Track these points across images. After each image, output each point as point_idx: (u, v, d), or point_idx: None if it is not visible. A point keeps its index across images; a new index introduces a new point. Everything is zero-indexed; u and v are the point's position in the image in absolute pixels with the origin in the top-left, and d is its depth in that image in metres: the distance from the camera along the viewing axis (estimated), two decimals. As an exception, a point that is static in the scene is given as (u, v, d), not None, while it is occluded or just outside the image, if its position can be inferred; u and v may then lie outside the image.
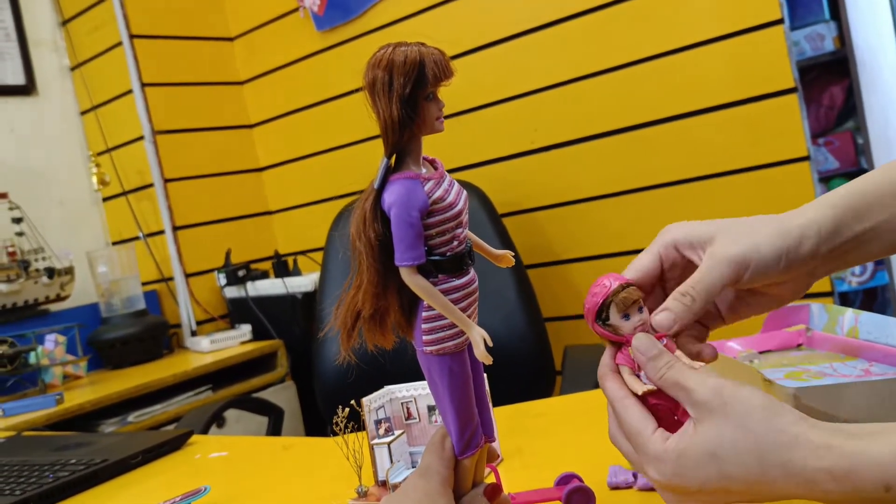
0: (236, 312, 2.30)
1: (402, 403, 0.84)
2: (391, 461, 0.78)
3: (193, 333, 2.27)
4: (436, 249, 0.50)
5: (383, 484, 0.77)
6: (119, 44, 2.27)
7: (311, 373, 1.77)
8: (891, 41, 2.86)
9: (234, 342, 2.17)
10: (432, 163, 0.52)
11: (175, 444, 1.12)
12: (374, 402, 0.81)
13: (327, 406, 1.74)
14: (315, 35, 2.31)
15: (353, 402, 0.78)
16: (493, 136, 2.00)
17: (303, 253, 2.39)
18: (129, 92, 2.28)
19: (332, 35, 2.29)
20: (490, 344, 0.48)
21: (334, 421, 0.76)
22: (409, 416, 0.84)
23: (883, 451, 0.44)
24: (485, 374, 0.56)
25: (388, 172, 0.50)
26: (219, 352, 2.12)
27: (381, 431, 0.80)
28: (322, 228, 1.90)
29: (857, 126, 2.63)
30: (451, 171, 0.54)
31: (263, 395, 2.05)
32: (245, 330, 2.20)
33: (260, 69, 2.50)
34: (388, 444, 0.78)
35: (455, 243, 0.50)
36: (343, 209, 1.86)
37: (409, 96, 0.48)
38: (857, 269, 2.73)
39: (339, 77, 2.30)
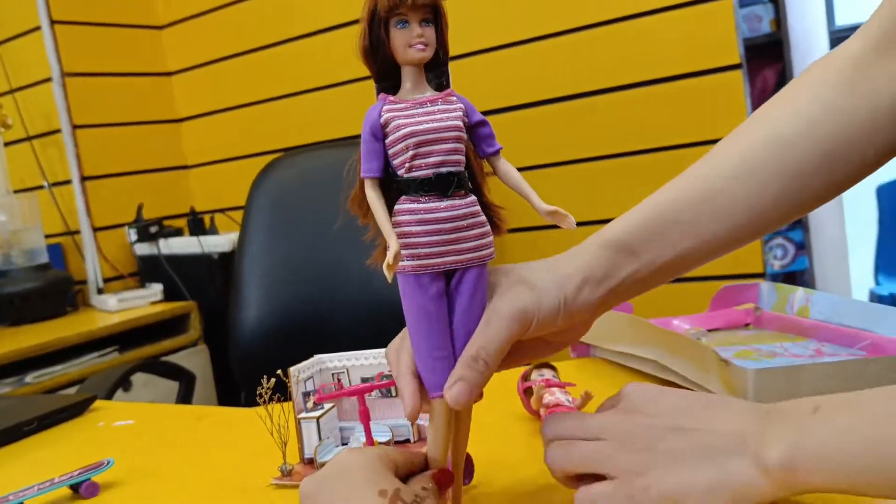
0: (147, 271, 2.18)
1: (332, 374, 0.77)
2: (319, 437, 0.71)
3: (100, 291, 2.14)
4: (396, 170, 0.50)
5: (310, 462, 0.71)
6: (28, -25, 2.10)
7: (225, 337, 1.68)
8: (823, 26, 2.89)
9: (144, 302, 2.05)
10: (439, 93, 0.51)
11: (76, 410, 1.02)
12: (303, 373, 0.74)
13: (243, 373, 1.65)
14: (243, -19, 2.19)
15: (279, 371, 0.70)
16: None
17: (221, 211, 2.27)
18: (37, 29, 2.11)
19: (261, -18, 2.17)
20: (391, 262, 0.46)
21: (258, 392, 0.69)
22: (339, 389, 0.77)
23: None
24: (482, 302, 0.52)
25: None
26: (127, 311, 2.00)
27: (310, 405, 0.73)
28: (242, 186, 1.79)
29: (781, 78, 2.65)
30: None
31: (174, 358, 1.94)
32: (156, 289, 2.08)
33: (183, 13, 2.35)
34: (317, 418, 0.71)
35: (409, 167, 0.49)
36: (266, 166, 1.75)
37: (371, 27, 0.50)
38: (778, 252, 2.77)
39: (269, 26, 2.18)
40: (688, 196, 0.58)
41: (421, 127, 0.49)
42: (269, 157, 1.79)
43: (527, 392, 0.75)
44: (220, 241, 2.07)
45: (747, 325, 0.96)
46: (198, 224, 2.16)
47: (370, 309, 1.63)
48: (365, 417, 0.60)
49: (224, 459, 0.79)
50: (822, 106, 0.58)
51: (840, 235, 2.92)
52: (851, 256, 2.91)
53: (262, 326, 1.63)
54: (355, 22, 2.02)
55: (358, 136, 0.51)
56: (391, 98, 0.51)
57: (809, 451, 0.43)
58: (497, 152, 0.53)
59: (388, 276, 0.47)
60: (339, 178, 1.74)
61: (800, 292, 0.91)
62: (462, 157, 0.51)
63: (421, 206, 0.49)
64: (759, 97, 2.59)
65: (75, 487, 0.73)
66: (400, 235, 0.49)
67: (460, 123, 0.50)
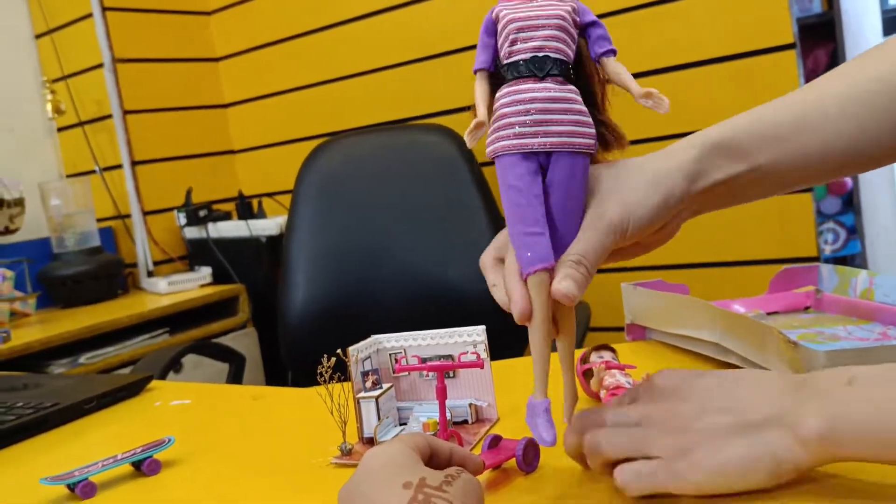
0: (196, 254, 2.20)
1: (390, 355, 0.77)
2: (378, 418, 0.71)
3: (150, 274, 2.17)
4: (502, 61, 0.52)
5: (370, 441, 0.71)
6: (79, -37, 2.13)
7: (274, 320, 1.69)
8: (875, 6, 2.82)
9: (193, 285, 2.08)
10: None
11: (133, 390, 1.04)
12: (361, 352, 0.74)
13: (290, 355, 1.67)
14: (291, -35, 2.19)
15: (339, 350, 0.71)
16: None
17: (269, 195, 2.29)
18: (89, 16, 2.14)
19: (308, -34, 2.17)
20: (471, 129, 0.50)
21: (319, 371, 0.69)
22: (397, 370, 0.77)
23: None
24: (573, 198, 0.52)
25: None
26: (176, 294, 2.03)
27: (369, 384, 0.73)
28: (289, 170, 1.80)
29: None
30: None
31: (223, 341, 1.97)
32: (205, 272, 2.11)
33: (229, 0, 2.37)
34: (377, 398, 0.71)
35: (509, 51, 0.51)
36: (313, 150, 1.76)
37: None
38: (829, 236, 2.71)
39: (314, 11, 2.19)
40: (798, 111, 0.59)
41: (522, 14, 0.51)
42: (315, 142, 1.80)
43: (586, 374, 0.74)
44: (268, 225, 2.09)
45: (807, 308, 0.94)
46: (246, 208, 2.18)
47: (416, 292, 1.63)
48: (442, 395, 0.60)
49: (283, 439, 0.80)
50: None
51: (893, 220, 2.86)
52: (905, 241, 2.84)
53: (310, 309, 1.65)
54: (400, 6, 2.02)
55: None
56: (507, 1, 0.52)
57: (846, 423, 0.44)
58: (609, 52, 0.53)
59: (468, 141, 0.50)
60: (385, 162, 1.76)
61: (863, 275, 0.89)
62: (564, 47, 0.51)
63: (514, 87, 0.51)
64: (810, 77, 2.54)
65: (137, 465, 0.74)
66: (495, 119, 0.51)
67: (565, 14, 0.51)
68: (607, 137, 0.56)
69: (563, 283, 0.50)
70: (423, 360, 0.75)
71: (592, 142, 0.52)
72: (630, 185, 0.54)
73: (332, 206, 1.70)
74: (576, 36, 0.52)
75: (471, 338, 0.71)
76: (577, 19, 0.52)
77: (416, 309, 1.62)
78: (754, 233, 1.65)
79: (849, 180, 2.68)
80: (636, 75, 0.53)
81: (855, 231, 2.64)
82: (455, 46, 1.95)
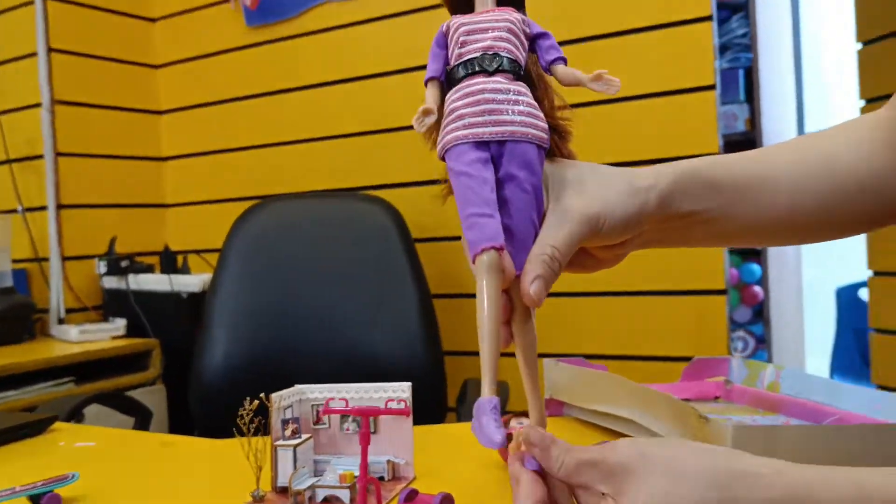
0: (112, 305, 2.15)
1: (312, 406, 0.77)
2: (295, 467, 0.70)
3: (61, 321, 2.11)
4: (451, 64, 0.53)
5: (283, 490, 0.70)
6: (31, 2, 2.12)
7: (185, 379, 1.65)
8: (793, 130, 3.00)
9: (106, 335, 2.02)
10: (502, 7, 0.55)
11: (36, 429, 1.00)
12: (284, 400, 0.74)
13: (201, 412, 1.63)
14: (243, 29, 2.23)
15: (262, 394, 0.70)
16: (416, 158, 1.96)
17: (196, 252, 2.26)
18: (34, 55, 2.12)
19: (260, 32, 2.21)
20: (419, 114, 0.50)
21: (239, 413, 0.68)
22: (318, 421, 0.77)
23: (837, 475, 0.42)
24: (527, 191, 0.51)
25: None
26: (87, 344, 1.96)
27: (288, 433, 0.73)
28: (220, 229, 1.79)
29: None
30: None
31: (131, 395, 1.90)
32: (119, 324, 2.05)
33: (179, 55, 2.38)
34: (295, 447, 0.71)
35: (458, 53, 0.53)
36: (246, 210, 1.76)
37: None
38: (739, 344, 2.81)
39: (261, 75, 2.22)
40: (764, 169, 0.62)
41: (472, 19, 0.53)
42: (247, 204, 1.81)
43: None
44: (192, 281, 2.05)
45: (717, 397, 0.97)
46: (170, 261, 2.15)
47: (340, 357, 1.62)
48: (365, 440, 0.60)
49: (193, 484, 0.78)
50: (864, 150, 0.64)
51: (799, 333, 2.98)
52: (809, 355, 2.96)
53: (229, 366, 1.62)
54: (341, 81, 2.07)
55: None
56: (456, 17, 0.54)
57: None
58: (559, 60, 0.54)
59: (416, 126, 0.50)
60: (318, 227, 1.77)
61: (770, 368, 0.93)
62: (513, 48, 0.52)
63: (464, 83, 0.52)
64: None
65: (36, 499, 0.71)
66: (446, 115, 0.51)
67: (514, 20, 0.53)
68: (557, 142, 0.56)
69: (534, 286, 0.49)
70: (344, 414, 0.75)
71: (545, 135, 0.52)
72: (612, 186, 0.55)
73: (260, 266, 1.70)
74: (525, 44, 0.54)
75: (395, 393, 0.72)
76: (527, 30, 0.54)
77: (340, 374, 1.60)
78: (671, 330, 1.70)
79: (760, 292, 2.79)
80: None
81: (764, 341, 2.74)
82: (395, 125, 2.00)
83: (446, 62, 0.53)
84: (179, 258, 2.19)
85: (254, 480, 0.69)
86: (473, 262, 0.49)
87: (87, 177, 2.22)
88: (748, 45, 2.61)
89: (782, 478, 0.42)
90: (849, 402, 0.80)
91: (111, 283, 2.15)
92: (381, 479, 0.73)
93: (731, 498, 0.42)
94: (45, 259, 2.15)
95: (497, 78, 0.51)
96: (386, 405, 0.68)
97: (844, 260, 2.80)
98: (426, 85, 0.53)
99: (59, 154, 2.14)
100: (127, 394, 1.89)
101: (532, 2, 1.73)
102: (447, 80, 0.53)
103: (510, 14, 0.53)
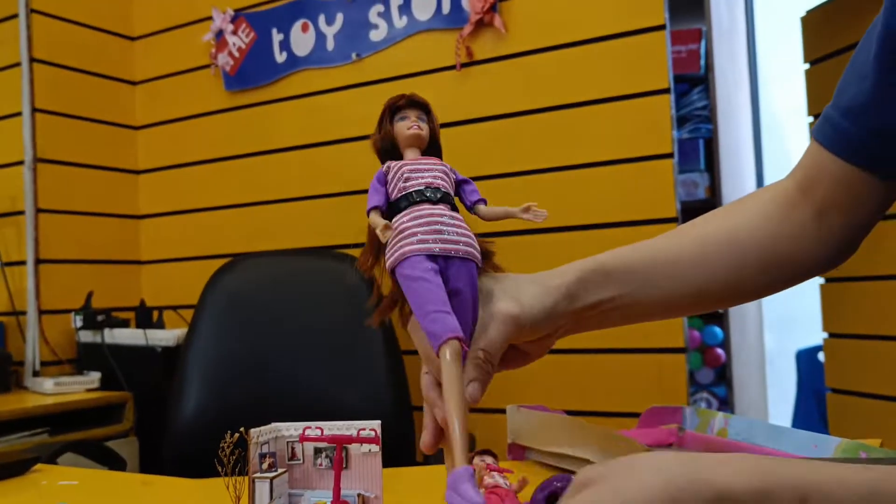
0: (87, 358, 2.18)
1: (287, 443, 0.82)
2: (271, 497, 0.75)
3: (36, 373, 2.13)
4: (393, 199, 0.63)
5: (259, 520, 0.75)
6: (17, 64, 2.19)
7: (159, 431, 1.68)
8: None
9: (80, 388, 2.04)
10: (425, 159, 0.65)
11: (18, 469, 1.03)
12: (261, 436, 0.79)
13: (174, 462, 1.65)
14: (222, 94, 2.31)
15: (241, 428, 0.75)
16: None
17: (172, 308, 2.30)
18: (18, 114, 2.19)
19: (239, 97, 2.29)
20: (382, 230, 0.60)
21: (221, 446, 0.73)
22: (292, 457, 0.81)
23: (799, 464, 0.44)
24: (467, 300, 0.60)
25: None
26: (62, 395, 1.98)
27: (265, 466, 0.78)
28: (195, 285, 1.84)
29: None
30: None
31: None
32: (94, 377, 2.08)
33: (159, 117, 2.46)
34: (271, 479, 0.76)
35: (402, 187, 0.62)
36: (222, 267, 1.82)
37: (381, 123, 0.67)
38: (702, 404, 2.87)
39: (238, 138, 2.30)
40: (665, 253, 0.71)
41: (412, 163, 0.64)
42: (221, 261, 1.86)
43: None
44: (166, 336, 2.09)
45: (671, 444, 1.03)
46: (145, 316, 2.19)
47: (310, 412, 1.66)
48: (338, 465, 0.65)
49: (172, 516, 0.82)
50: (765, 220, 0.72)
51: (761, 395, 3.05)
52: (771, 416, 3.03)
53: (201, 419, 1.65)
54: (316, 144, 2.15)
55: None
56: (390, 163, 0.65)
57: None
58: (481, 201, 0.65)
59: (381, 236, 0.60)
60: (291, 284, 1.83)
61: (719, 416, 0.99)
62: (448, 186, 0.63)
63: (413, 209, 0.61)
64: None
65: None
66: (397, 234, 0.60)
67: (445, 167, 0.64)
68: (486, 259, 0.65)
69: (470, 388, 0.57)
70: (318, 451, 0.80)
71: (479, 255, 0.62)
72: (525, 289, 0.63)
73: (234, 321, 1.74)
74: (454, 186, 0.64)
75: (365, 431, 0.77)
76: (453, 176, 0.65)
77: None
78: (632, 387, 1.76)
79: (723, 355, 2.87)
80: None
81: (727, 402, 2.80)
82: (367, 186, 2.06)
83: (387, 196, 0.63)
84: (155, 313, 2.23)
85: (232, 512, 0.74)
86: (437, 351, 0.56)
87: (67, 233, 2.27)
88: (708, 116, 2.74)
89: (745, 462, 0.44)
90: (789, 443, 0.87)
91: (87, 336, 2.18)
92: (353, 511, 0.78)
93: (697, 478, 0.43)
94: (23, 313, 2.18)
95: (440, 207, 0.61)
96: (358, 433, 0.73)
97: (804, 323, 2.89)
98: (369, 213, 0.62)
99: (39, 210, 2.19)
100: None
101: (498, 73, 1.86)
102: (389, 209, 0.63)
103: (441, 162, 0.65)
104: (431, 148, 0.66)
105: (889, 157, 0.69)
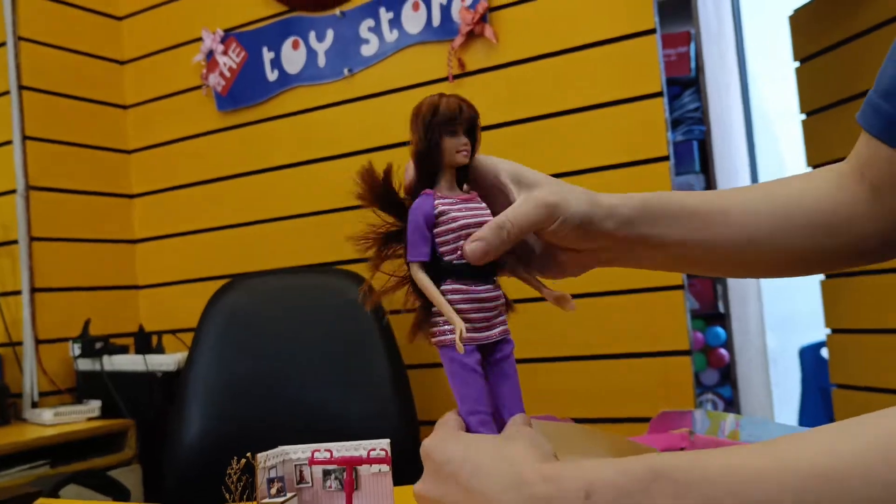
0: (86, 386, 2.15)
1: (295, 466, 0.80)
2: (281, 522, 0.74)
3: (35, 405, 2.11)
4: (444, 256, 0.59)
5: (270, 546, 0.73)
6: (6, 92, 2.18)
7: (161, 456, 1.66)
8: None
9: (81, 417, 2.02)
10: (468, 193, 0.62)
11: (22, 502, 1.02)
12: (269, 461, 0.77)
13: (178, 489, 1.63)
14: (215, 114, 2.30)
15: (248, 454, 0.74)
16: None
17: (171, 332, 2.28)
18: (9, 143, 2.17)
19: (231, 117, 2.28)
20: (464, 335, 0.56)
21: (227, 472, 0.72)
22: (301, 480, 0.80)
23: (589, 461, 0.46)
24: (515, 375, 0.61)
25: (417, 193, 0.61)
26: (62, 426, 1.96)
27: (273, 491, 0.76)
28: (194, 308, 1.83)
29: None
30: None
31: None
32: (94, 405, 2.06)
33: (151, 140, 2.44)
34: (281, 504, 0.74)
35: (459, 253, 0.59)
36: (220, 288, 1.80)
37: (427, 132, 0.59)
38: (709, 406, 2.86)
39: (232, 158, 2.28)
40: (730, 202, 0.69)
41: (470, 220, 0.60)
42: (220, 282, 1.84)
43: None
44: (166, 361, 2.07)
45: (682, 448, 1.02)
46: (144, 342, 2.17)
47: (314, 431, 1.64)
48: (349, 487, 0.64)
49: (181, 546, 0.80)
50: (827, 189, 0.71)
51: (766, 394, 3.04)
52: (777, 415, 3.02)
53: (204, 443, 1.63)
54: (311, 161, 2.14)
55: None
56: (436, 194, 0.60)
57: None
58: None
59: (461, 348, 0.56)
60: (291, 302, 1.82)
61: (730, 418, 0.98)
62: None
63: (466, 287, 0.59)
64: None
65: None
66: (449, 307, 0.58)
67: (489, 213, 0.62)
68: (507, 301, 0.65)
69: (472, 245, 0.58)
70: (327, 473, 0.79)
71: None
72: (572, 190, 0.63)
73: (234, 342, 1.73)
74: None
75: (376, 447, 0.76)
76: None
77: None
78: (639, 391, 1.75)
79: (726, 355, 2.86)
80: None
81: (732, 403, 2.79)
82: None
83: (433, 243, 0.59)
84: (154, 338, 2.21)
85: (241, 538, 0.72)
86: None
87: (62, 260, 2.25)
88: (700, 118, 2.73)
89: (549, 461, 0.50)
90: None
91: (85, 364, 2.16)
92: (365, 533, 0.76)
93: (506, 455, 0.50)
94: (19, 343, 2.16)
95: (489, 285, 0.60)
96: (369, 454, 0.72)
97: (805, 322, 2.88)
98: (410, 264, 0.60)
99: (33, 238, 2.17)
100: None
101: (491, 83, 1.85)
102: (433, 266, 0.60)
103: (484, 208, 0.61)
104: (462, 172, 0.63)
105: None
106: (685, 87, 2.78)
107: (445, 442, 0.53)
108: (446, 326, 0.58)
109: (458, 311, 0.58)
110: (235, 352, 1.72)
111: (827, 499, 0.38)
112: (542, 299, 0.65)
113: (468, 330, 0.58)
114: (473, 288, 0.59)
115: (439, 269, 0.59)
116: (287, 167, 2.20)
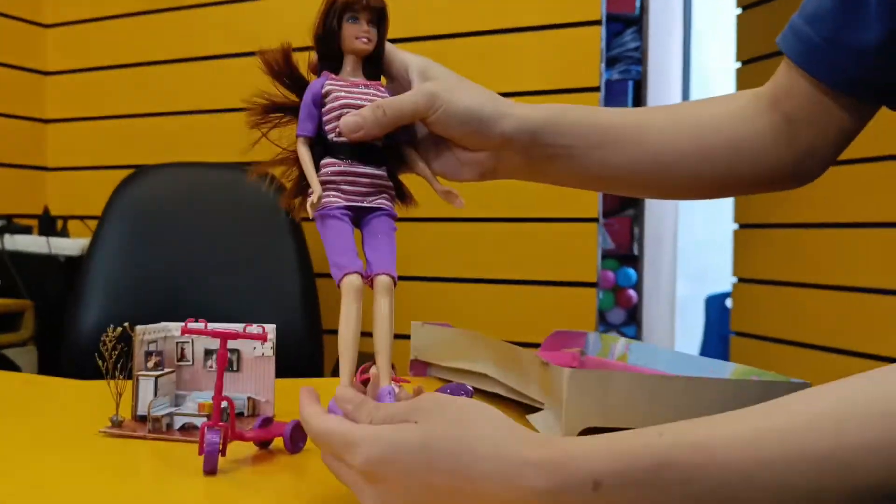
0: (-15, 265, 2.08)
1: (177, 343, 0.78)
2: (154, 396, 0.72)
3: (-73, 279, 2.03)
4: (328, 134, 0.60)
5: (142, 419, 0.72)
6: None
7: (58, 340, 1.62)
8: (671, 241, 3.16)
9: (-24, 294, 1.96)
10: (371, 81, 0.63)
11: None
12: (148, 334, 0.75)
13: (73, 375, 1.60)
14: (141, -5, 2.20)
15: (125, 324, 0.72)
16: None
17: (79, 218, 2.21)
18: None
19: (157, -1, 2.18)
20: (315, 201, 0.57)
21: (102, 340, 0.70)
22: (182, 358, 0.78)
23: (598, 445, 0.42)
24: (391, 235, 0.61)
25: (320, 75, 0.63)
26: (-44, 301, 1.90)
27: (151, 365, 0.75)
28: (102, 195, 1.76)
29: (636, 214, 2.86)
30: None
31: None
32: (-9, 284, 1.99)
33: (71, 17, 2.32)
34: (156, 377, 0.73)
35: (339, 132, 0.59)
36: (130, 175, 1.74)
37: (327, 17, 0.61)
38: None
39: (155, 43, 2.19)
40: (633, 119, 0.70)
41: (354, 101, 0.60)
42: (131, 171, 1.78)
43: (364, 383, 0.79)
44: (70, 245, 2.01)
45: (572, 367, 1.03)
46: (49, 224, 2.10)
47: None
48: (221, 362, 0.62)
49: (53, 415, 0.79)
50: (733, 116, 0.71)
51: (669, 338, 3.13)
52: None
53: (100, 332, 1.59)
54: (240, 55, 2.07)
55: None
56: (332, 76, 0.62)
57: None
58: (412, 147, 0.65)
59: (311, 212, 0.58)
60: (201, 197, 1.77)
61: (621, 341, 1.00)
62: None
63: (342, 164, 0.60)
64: (612, 197, 2.78)
65: None
66: (324, 183, 0.59)
67: (386, 97, 0.61)
68: (406, 192, 0.65)
69: (347, 117, 0.59)
70: (209, 351, 0.78)
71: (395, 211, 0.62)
72: (473, 89, 0.64)
73: (141, 233, 1.68)
74: None
75: (252, 328, 0.74)
76: None
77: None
78: (542, 318, 1.77)
79: (635, 296, 2.92)
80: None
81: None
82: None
83: (319, 122, 0.61)
84: (59, 222, 2.14)
85: (114, 410, 0.71)
86: (339, 283, 0.57)
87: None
88: (639, 58, 2.73)
89: (546, 445, 0.43)
90: (687, 369, 0.87)
91: (-15, 242, 2.08)
92: (241, 414, 0.75)
93: (498, 450, 0.43)
94: (-86, 213, 2.06)
95: (369, 167, 0.60)
96: (245, 329, 0.71)
97: (716, 276, 2.96)
98: (298, 138, 0.61)
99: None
100: (-4, 353, 1.84)
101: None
102: (320, 143, 0.61)
103: (382, 95, 0.61)
104: (372, 62, 0.63)
105: (850, 72, 0.66)
106: (628, 24, 2.77)
107: (391, 451, 0.45)
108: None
109: (330, 182, 0.59)
110: (139, 243, 1.67)
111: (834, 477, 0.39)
112: (460, 220, 0.65)
113: (337, 196, 0.59)
114: (351, 166, 0.59)
115: (325, 147, 0.60)
116: (214, 58, 2.12)
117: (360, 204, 0.59)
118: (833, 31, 0.66)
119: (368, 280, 0.58)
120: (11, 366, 1.52)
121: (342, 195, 0.59)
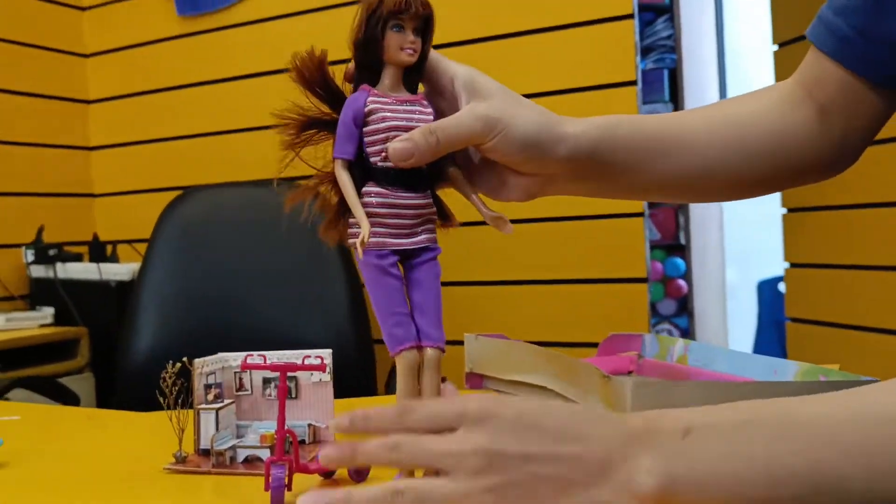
0: (40, 293, 2.12)
1: (235, 373, 0.79)
2: (217, 429, 0.72)
3: (-14, 311, 2.07)
4: (370, 157, 0.56)
5: (205, 452, 0.72)
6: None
7: (113, 365, 1.65)
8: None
9: (33, 324, 1.99)
10: (413, 95, 0.58)
11: (-42, 405, 1.00)
12: (206, 367, 0.76)
13: (129, 401, 1.62)
14: (175, 19, 2.22)
15: (184, 359, 0.72)
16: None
17: (127, 242, 2.24)
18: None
19: (192, 22, 2.20)
20: (365, 239, 0.53)
21: (162, 377, 0.70)
22: (240, 388, 0.79)
23: (692, 408, 0.47)
24: (437, 285, 0.58)
25: (357, 85, 0.58)
26: (13, 331, 1.93)
27: (210, 397, 0.75)
28: (149, 218, 1.79)
29: (680, 203, 2.82)
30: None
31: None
32: (47, 313, 2.03)
33: (109, 44, 2.36)
34: (217, 410, 0.73)
35: (384, 155, 0.55)
36: (176, 198, 1.76)
37: (368, 23, 0.55)
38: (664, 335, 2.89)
39: (193, 65, 2.21)
40: (672, 127, 0.68)
41: (401, 123, 0.56)
42: (177, 193, 1.80)
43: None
44: (121, 270, 2.04)
45: (630, 372, 1.02)
46: (99, 250, 2.13)
47: (266, 345, 1.63)
48: (283, 394, 0.62)
49: (117, 450, 0.80)
50: (770, 112, 0.70)
51: (722, 325, 3.08)
52: (732, 346, 3.07)
53: (156, 354, 1.61)
54: (274, 72, 2.08)
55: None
56: (373, 91, 0.57)
57: (683, 483, 0.42)
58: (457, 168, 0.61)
59: (360, 252, 0.54)
60: (249, 215, 1.77)
61: (679, 343, 0.98)
62: None
63: (387, 192, 0.56)
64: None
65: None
66: (367, 215, 0.55)
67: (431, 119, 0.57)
68: (447, 213, 0.62)
69: (398, 144, 0.54)
70: (267, 381, 0.78)
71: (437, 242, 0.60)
72: (521, 108, 0.59)
73: (189, 254, 1.70)
74: None
75: (310, 359, 0.75)
76: None
77: (266, 362, 1.62)
78: (594, 317, 1.75)
79: (684, 286, 2.88)
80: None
81: (688, 334, 2.82)
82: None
83: (360, 142, 0.56)
84: (109, 247, 2.17)
85: (177, 445, 0.71)
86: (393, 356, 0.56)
87: (14, 165, 2.19)
88: (672, 46, 2.69)
89: None
90: (749, 369, 0.85)
91: (39, 271, 2.12)
92: (302, 441, 0.75)
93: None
94: (-30, 248, 2.11)
95: (416, 195, 0.57)
96: (303, 361, 0.71)
97: (765, 257, 2.91)
98: (335, 161, 0.56)
99: (-16, 141, 2.11)
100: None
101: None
102: (359, 166, 0.57)
103: (428, 112, 0.58)
104: (413, 71, 0.58)
105: (883, 63, 0.66)
106: (659, 13, 2.73)
107: (499, 400, 0.45)
108: (358, 229, 0.55)
109: (374, 215, 0.55)
110: (189, 264, 1.69)
111: None
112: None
113: (383, 234, 0.56)
114: (396, 194, 0.56)
115: (366, 171, 0.56)
116: (249, 77, 2.14)
117: (406, 247, 0.56)
118: (864, 23, 0.65)
119: (415, 345, 0.56)
120: (70, 394, 1.55)
121: (388, 230, 0.56)
